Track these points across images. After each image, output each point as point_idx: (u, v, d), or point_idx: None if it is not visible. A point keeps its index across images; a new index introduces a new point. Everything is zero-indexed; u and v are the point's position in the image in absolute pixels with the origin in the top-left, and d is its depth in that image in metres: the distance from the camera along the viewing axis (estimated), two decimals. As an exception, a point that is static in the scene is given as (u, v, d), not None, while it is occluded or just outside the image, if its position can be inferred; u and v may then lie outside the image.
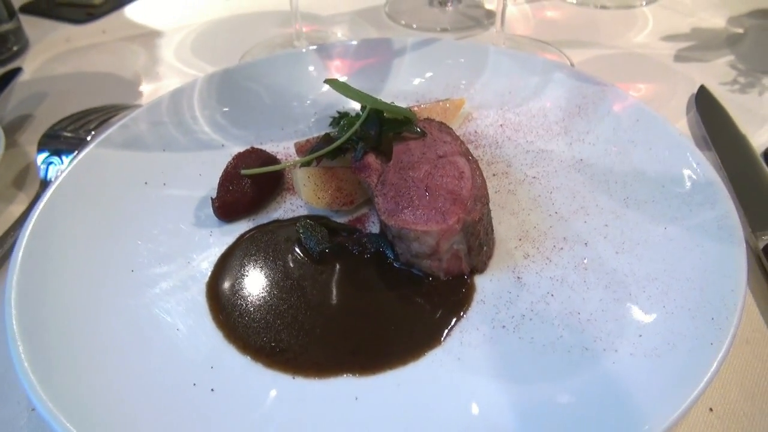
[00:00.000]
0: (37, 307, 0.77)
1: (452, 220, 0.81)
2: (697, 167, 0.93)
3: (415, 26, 1.66)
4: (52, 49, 1.64)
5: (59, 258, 0.85)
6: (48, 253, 0.85)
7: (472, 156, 0.92)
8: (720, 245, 0.81)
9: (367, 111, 0.96)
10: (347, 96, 0.99)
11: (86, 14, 1.80)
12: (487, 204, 0.87)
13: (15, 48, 1.61)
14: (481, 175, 0.89)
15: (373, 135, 0.95)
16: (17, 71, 1.36)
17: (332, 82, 0.99)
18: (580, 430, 0.65)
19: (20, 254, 0.82)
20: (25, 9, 1.83)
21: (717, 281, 0.77)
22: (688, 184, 0.92)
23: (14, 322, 0.73)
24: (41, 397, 0.66)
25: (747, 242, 0.81)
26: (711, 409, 0.73)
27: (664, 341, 0.72)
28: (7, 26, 1.58)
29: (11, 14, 1.60)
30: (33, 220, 0.88)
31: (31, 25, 1.73)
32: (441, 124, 1.01)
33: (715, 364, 0.66)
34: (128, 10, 1.84)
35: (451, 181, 0.87)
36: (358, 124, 0.96)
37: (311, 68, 1.29)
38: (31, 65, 1.55)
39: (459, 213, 0.81)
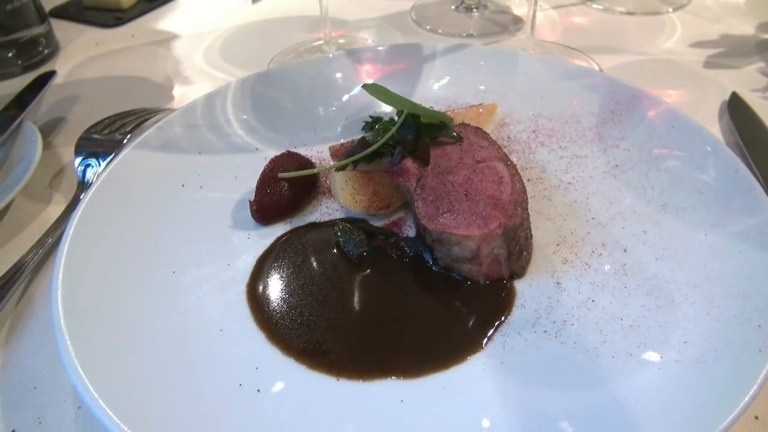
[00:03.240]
0: (83, 307, 0.78)
1: (494, 225, 0.81)
2: (736, 173, 0.92)
3: (440, 31, 1.66)
4: (82, 53, 1.66)
5: (103, 259, 0.86)
6: (91, 254, 0.86)
7: (510, 161, 0.93)
8: (763, 252, 0.81)
9: (404, 115, 0.96)
10: (384, 100, 1.00)
11: (115, 18, 1.82)
12: (527, 209, 0.87)
13: (46, 51, 1.63)
14: (521, 180, 0.89)
15: (410, 139, 0.96)
16: (51, 74, 1.38)
17: (370, 87, 1.00)
18: (627, 436, 0.65)
19: (64, 255, 0.83)
20: (54, 13, 1.85)
21: (762, 288, 0.76)
22: (728, 190, 0.91)
23: (62, 322, 0.74)
24: (92, 394, 0.66)
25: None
26: (756, 417, 0.72)
27: (711, 348, 0.71)
28: (39, 30, 1.61)
29: (42, 18, 1.62)
30: (75, 221, 0.89)
31: (60, 29, 1.75)
32: (477, 128, 1.01)
33: (763, 372, 0.66)
34: (156, 15, 1.86)
35: (491, 186, 0.87)
36: (395, 128, 0.96)
37: (341, 73, 1.30)
38: (62, 68, 1.57)
39: (500, 218, 0.82)
